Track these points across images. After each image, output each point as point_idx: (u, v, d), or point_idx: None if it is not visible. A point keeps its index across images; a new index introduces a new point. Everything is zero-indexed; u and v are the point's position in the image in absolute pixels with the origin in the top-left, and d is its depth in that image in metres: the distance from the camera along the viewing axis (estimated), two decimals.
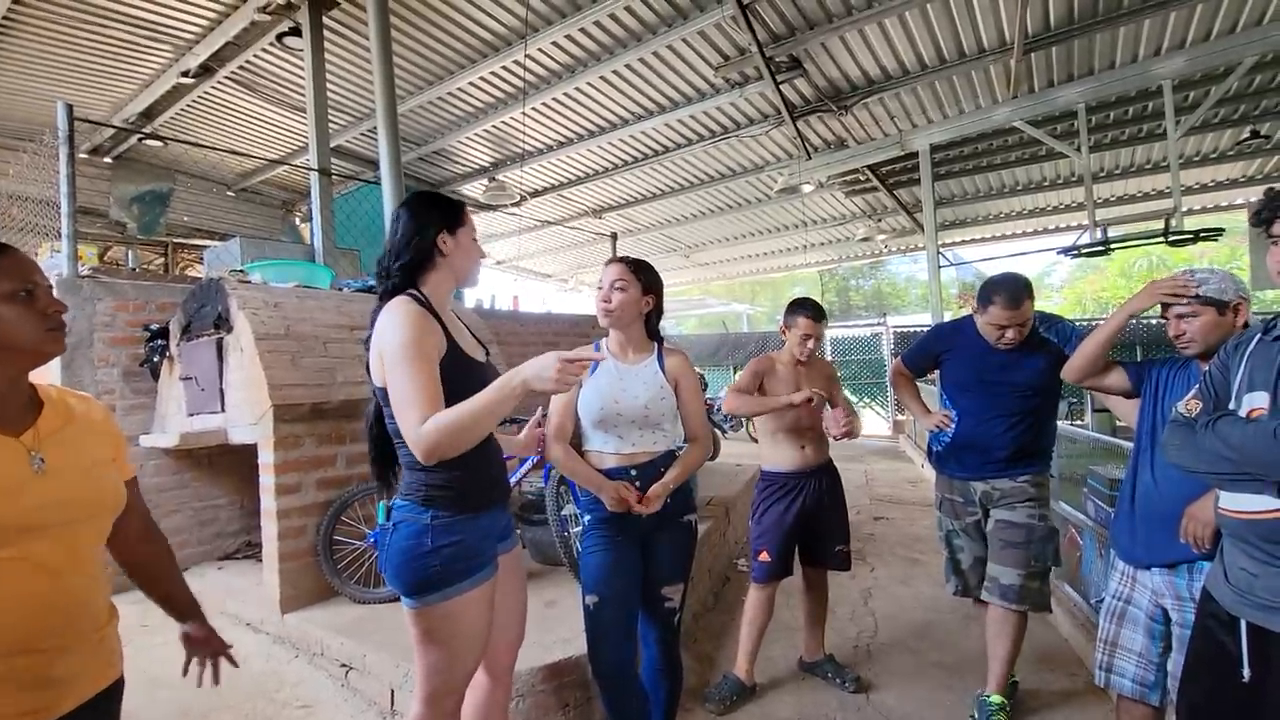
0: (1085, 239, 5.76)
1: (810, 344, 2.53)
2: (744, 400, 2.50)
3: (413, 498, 1.46)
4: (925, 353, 2.62)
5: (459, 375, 1.46)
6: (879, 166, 7.85)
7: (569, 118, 7.18)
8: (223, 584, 3.29)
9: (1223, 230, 5.52)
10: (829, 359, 2.64)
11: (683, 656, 2.07)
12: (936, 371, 2.66)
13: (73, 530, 1.01)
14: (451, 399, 1.41)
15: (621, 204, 9.97)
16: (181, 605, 1.32)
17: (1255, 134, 6.69)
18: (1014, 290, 2.22)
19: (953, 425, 2.44)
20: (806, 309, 2.56)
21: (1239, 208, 8.88)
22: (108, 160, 8.04)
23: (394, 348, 1.38)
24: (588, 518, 1.93)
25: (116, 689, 1.11)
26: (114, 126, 7.05)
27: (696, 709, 2.49)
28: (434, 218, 1.54)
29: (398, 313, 1.42)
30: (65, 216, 3.37)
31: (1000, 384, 2.31)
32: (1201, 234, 5.35)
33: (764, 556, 2.57)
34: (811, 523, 2.59)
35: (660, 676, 1.98)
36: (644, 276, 1.93)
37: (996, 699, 2.31)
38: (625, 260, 1.96)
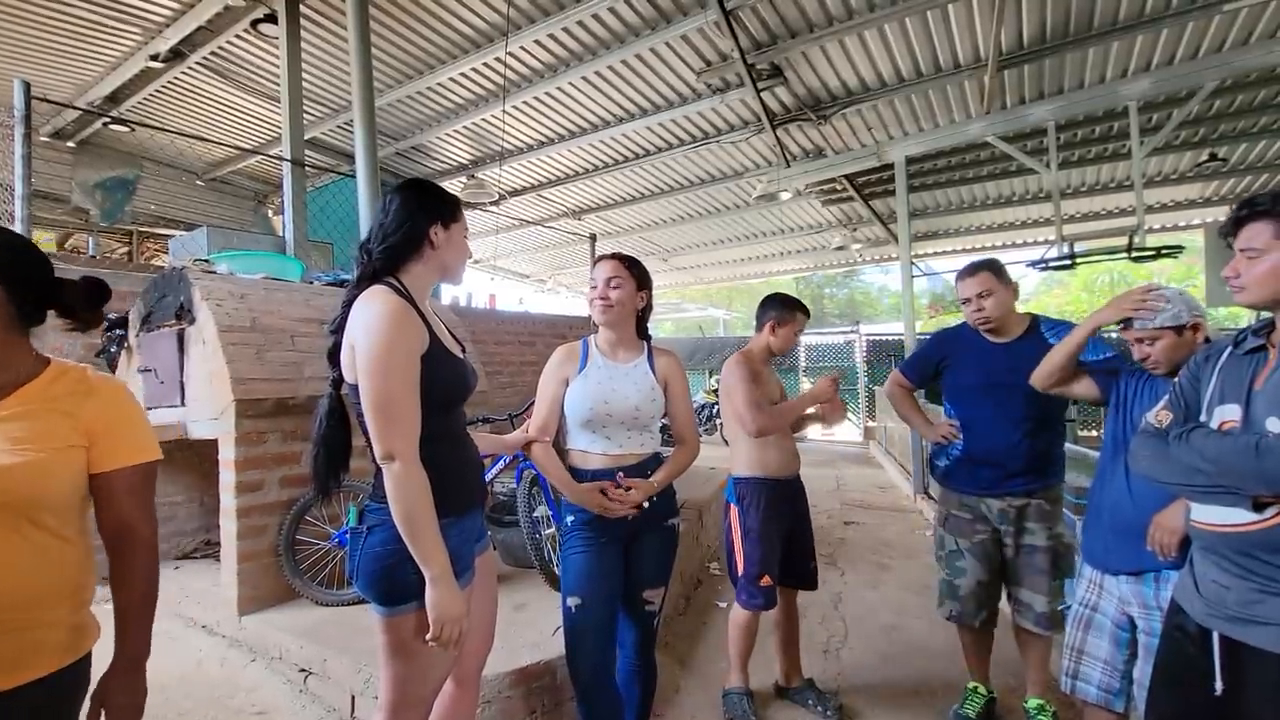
0: (1052, 253, 5.91)
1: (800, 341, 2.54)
2: (774, 413, 2.34)
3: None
4: (926, 360, 2.53)
5: (440, 371, 1.41)
6: (856, 176, 7.95)
7: (550, 117, 7.14)
8: (178, 584, 3.18)
9: (1182, 248, 5.72)
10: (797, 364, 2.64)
11: (657, 660, 2.04)
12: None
13: None
14: (434, 393, 1.38)
15: (601, 206, 9.96)
16: (121, 633, 1.17)
17: (1214, 157, 6.95)
18: (969, 265, 2.37)
19: (959, 437, 2.37)
20: (800, 306, 2.53)
21: (1196, 228, 9.22)
22: (70, 144, 7.75)
23: (372, 349, 1.30)
24: (570, 518, 1.88)
25: (32, 690, 1.04)
26: (77, 108, 6.81)
27: (667, 713, 2.47)
28: (429, 207, 1.47)
29: (377, 306, 1.33)
30: (19, 199, 3.24)
31: (1009, 386, 2.21)
32: (1162, 251, 5.53)
33: (765, 581, 2.36)
34: (793, 536, 2.48)
35: (635, 680, 1.95)
36: (636, 272, 1.90)
37: (1035, 702, 2.30)
38: (618, 256, 1.92)
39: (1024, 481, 2.25)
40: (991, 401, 2.29)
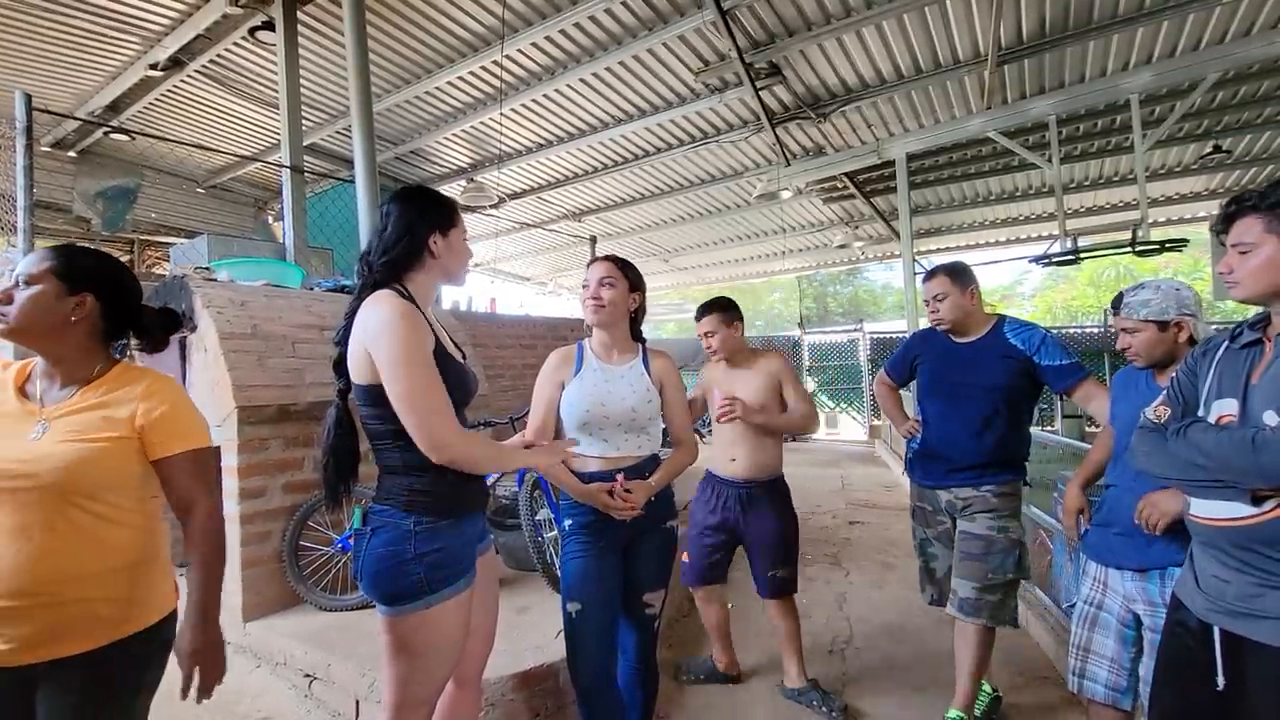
0: (1056, 248, 5.87)
1: (713, 341, 2.49)
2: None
3: (393, 502, 1.40)
4: (903, 358, 2.61)
5: (444, 375, 1.41)
6: (856, 174, 7.93)
7: (548, 120, 7.15)
8: (182, 591, 3.18)
9: (1187, 241, 5.67)
10: (777, 354, 2.61)
11: (659, 663, 2.04)
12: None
13: (21, 496, 1.12)
14: None
15: (601, 207, 9.95)
16: (190, 588, 1.32)
17: (1217, 149, 6.90)
18: (929, 269, 2.45)
19: (919, 431, 2.43)
20: (701, 310, 2.54)
21: (1202, 220, 9.15)
22: (71, 154, 7.79)
23: (395, 346, 1.32)
24: (569, 522, 1.88)
25: (79, 661, 1.15)
26: (78, 119, 6.83)
27: (671, 715, 2.47)
28: (427, 216, 1.48)
29: (389, 308, 1.35)
30: (21, 210, 3.24)
31: (965, 384, 2.28)
32: (1167, 245, 5.49)
33: (684, 557, 2.60)
34: (740, 540, 2.54)
35: (637, 683, 1.94)
36: (630, 274, 1.91)
37: (955, 714, 2.26)
38: (611, 258, 1.93)
39: (970, 476, 2.26)
40: (946, 398, 2.34)
